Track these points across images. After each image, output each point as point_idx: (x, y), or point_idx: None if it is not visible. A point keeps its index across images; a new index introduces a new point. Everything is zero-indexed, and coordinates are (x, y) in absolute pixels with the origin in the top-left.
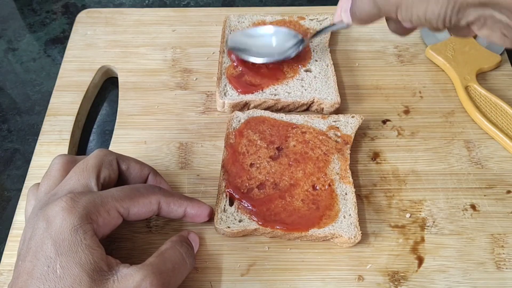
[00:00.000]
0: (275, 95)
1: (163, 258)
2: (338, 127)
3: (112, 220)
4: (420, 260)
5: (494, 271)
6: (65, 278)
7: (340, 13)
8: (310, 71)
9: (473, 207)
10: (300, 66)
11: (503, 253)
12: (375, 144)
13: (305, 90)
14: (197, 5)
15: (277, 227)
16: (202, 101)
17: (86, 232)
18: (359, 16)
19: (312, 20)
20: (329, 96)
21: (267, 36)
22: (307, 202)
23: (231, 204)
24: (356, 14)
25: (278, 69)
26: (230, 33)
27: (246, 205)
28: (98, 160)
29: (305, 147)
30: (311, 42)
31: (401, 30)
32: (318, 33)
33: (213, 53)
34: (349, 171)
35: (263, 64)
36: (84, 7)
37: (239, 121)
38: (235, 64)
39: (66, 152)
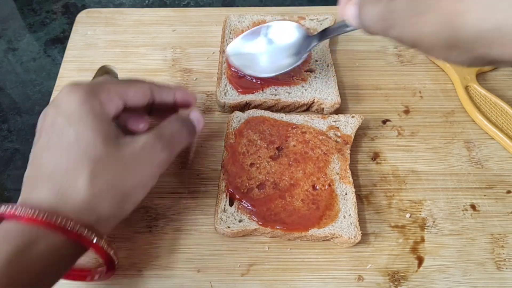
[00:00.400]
0: (275, 95)
1: (161, 128)
2: (338, 127)
3: (113, 99)
4: (420, 260)
5: (494, 271)
6: (79, 143)
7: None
8: (311, 71)
9: (473, 207)
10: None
11: (503, 253)
12: (375, 144)
13: (305, 90)
14: (197, 5)
15: (277, 227)
16: (202, 101)
17: (93, 104)
18: (371, 33)
19: (312, 20)
20: (330, 96)
21: (267, 52)
22: (307, 202)
23: (231, 204)
24: (368, 30)
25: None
26: (227, 42)
27: (246, 205)
28: (103, 79)
29: (305, 147)
30: (317, 46)
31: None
32: (325, 33)
33: (213, 53)
34: (349, 171)
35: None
36: (84, 7)
37: (239, 121)
38: (233, 69)
39: None
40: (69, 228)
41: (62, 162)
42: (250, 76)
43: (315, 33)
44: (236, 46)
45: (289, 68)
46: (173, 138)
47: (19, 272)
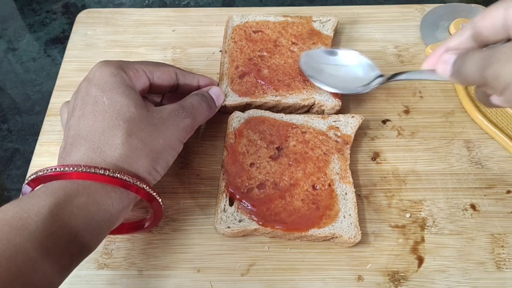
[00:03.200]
0: (276, 96)
1: (183, 100)
2: (338, 127)
3: (140, 76)
4: (420, 260)
5: (494, 271)
6: (113, 106)
7: (436, 63)
8: None
9: (473, 207)
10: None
11: (503, 253)
12: (375, 144)
13: (306, 91)
14: (197, 5)
15: (277, 227)
16: None
17: (123, 76)
18: (463, 78)
19: (315, 21)
20: (330, 98)
21: (342, 65)
22: (307, 202)
23: (231, 204)
24: (461, 75)
25: (284, 78)
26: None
27: (246, 205)
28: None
29: (305, 147)
30: (389, 82)
31: (488, 103)
32: (399, 75)
33: (213, 53)
34: (349, 171)
35: (267, 69)
36: (84, 7)
37: (239, 121)
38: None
39: None
40: (108, 175)
41: (98, 124)
42: (317, 85)
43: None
44: (310, 56)
45: (352, 92)
46: (194, 109)
47: (60, 226)
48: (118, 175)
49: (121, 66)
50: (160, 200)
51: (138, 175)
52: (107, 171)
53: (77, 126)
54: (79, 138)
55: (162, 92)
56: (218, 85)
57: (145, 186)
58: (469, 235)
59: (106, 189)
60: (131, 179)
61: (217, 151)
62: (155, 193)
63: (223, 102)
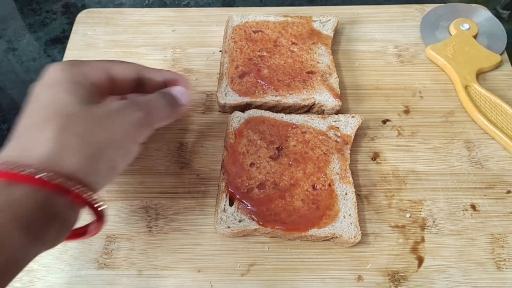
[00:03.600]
0: (276, 96)
1: (137, 96)
2: (338, 127)
3: (95, 71)
4: (420, 260)
5: (494, 271)
6: (53, 103)
7: None
8: (312, 73)
9: (473, 207)
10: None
11: (503, 253)
12: (375, 144)
13: (306, 91)
14: (197, 5)
15: (277, 227)
16: (202, 101)
17: (72, 72)
18: None
19: (315, 21)
20: (330, 99)
21: None
22: (307, 202)
23: (231, 204)
24: None
25: (283, 78)
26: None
27: (246, 205)
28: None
29: (305, 147)
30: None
31: None
32: None
33: (213, 53)
34: (349, 171)
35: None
36: (84, 7)
37: (239, 121)
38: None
39: None
40: (26, 173)
41: (31, 120)
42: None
43: None
44: None
45: None
46: (148, 104)
47: None
48: (41, 174)
49: (73, 63)
50: (97, 204)
51: (70, 174)
52: (27, 169)
53: (16, 128)
54: (12, 139)
55: (127, 89)
56: (185, 81)
57: (71, 184)
58: (469, 235)
59: (24, 190)
60: (52, 176)
61: (217, 151)
62: (87, 195)
63: (187, 100)
